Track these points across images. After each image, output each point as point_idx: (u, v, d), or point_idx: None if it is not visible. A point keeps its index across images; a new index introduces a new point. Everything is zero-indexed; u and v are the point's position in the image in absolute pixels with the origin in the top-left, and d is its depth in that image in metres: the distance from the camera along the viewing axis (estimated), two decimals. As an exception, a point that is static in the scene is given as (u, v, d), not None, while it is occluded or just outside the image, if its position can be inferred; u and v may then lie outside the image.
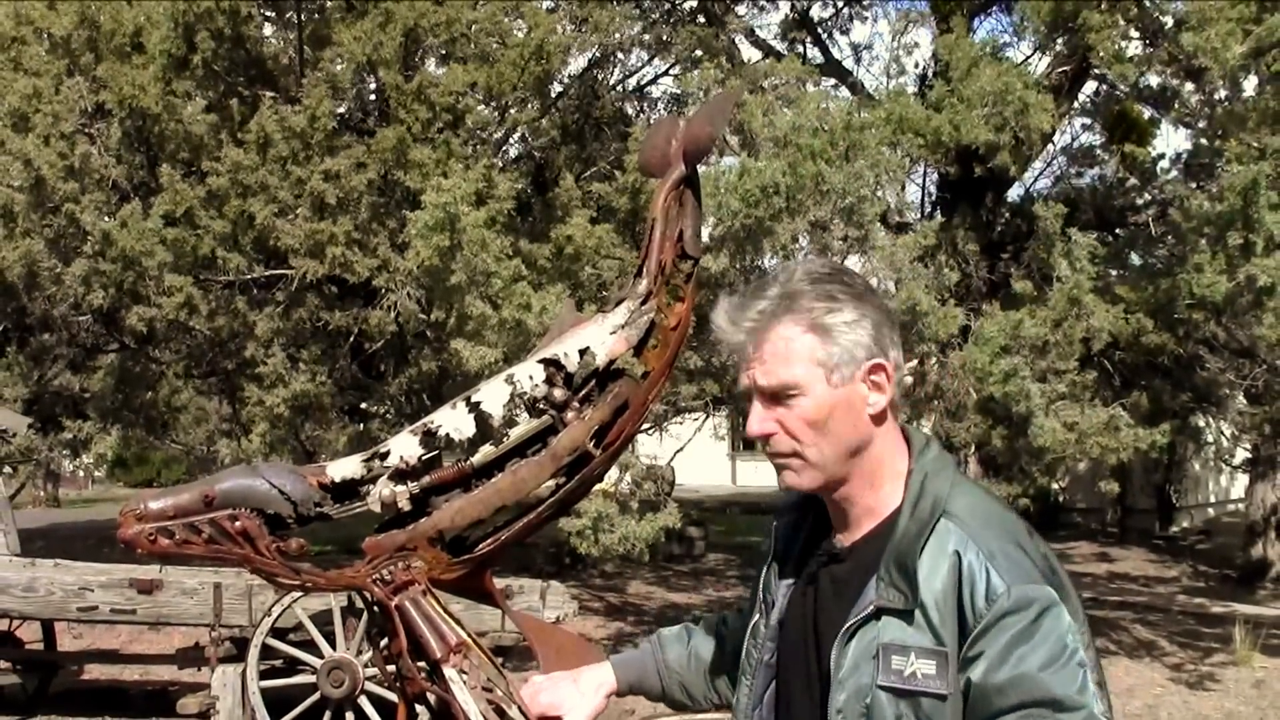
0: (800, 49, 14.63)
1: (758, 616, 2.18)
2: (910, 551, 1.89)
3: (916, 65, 15.64)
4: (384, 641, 2.56)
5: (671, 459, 13.13)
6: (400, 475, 2.50)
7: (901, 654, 1.86)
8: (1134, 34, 11.02)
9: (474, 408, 2.57)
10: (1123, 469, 14.82)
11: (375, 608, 2.52)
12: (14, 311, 14.74)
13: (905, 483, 1.99)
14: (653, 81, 16.41)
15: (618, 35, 13.68)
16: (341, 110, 13.08)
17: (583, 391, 2.61)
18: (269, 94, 12.64)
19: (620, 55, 15.10)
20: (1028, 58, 12.94)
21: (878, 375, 1.98)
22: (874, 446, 2.00)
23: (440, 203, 9.54)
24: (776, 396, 1.99)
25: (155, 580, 9.11)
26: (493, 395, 2.57)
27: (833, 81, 14.28)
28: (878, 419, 2.00)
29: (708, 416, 14.83)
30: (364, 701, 8.44)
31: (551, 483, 2.60)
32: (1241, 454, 17.21)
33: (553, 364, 2.58)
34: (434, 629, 2.45)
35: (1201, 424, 14.62)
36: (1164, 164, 12.68)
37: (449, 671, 2.42)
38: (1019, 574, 1.83)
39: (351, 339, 13.26)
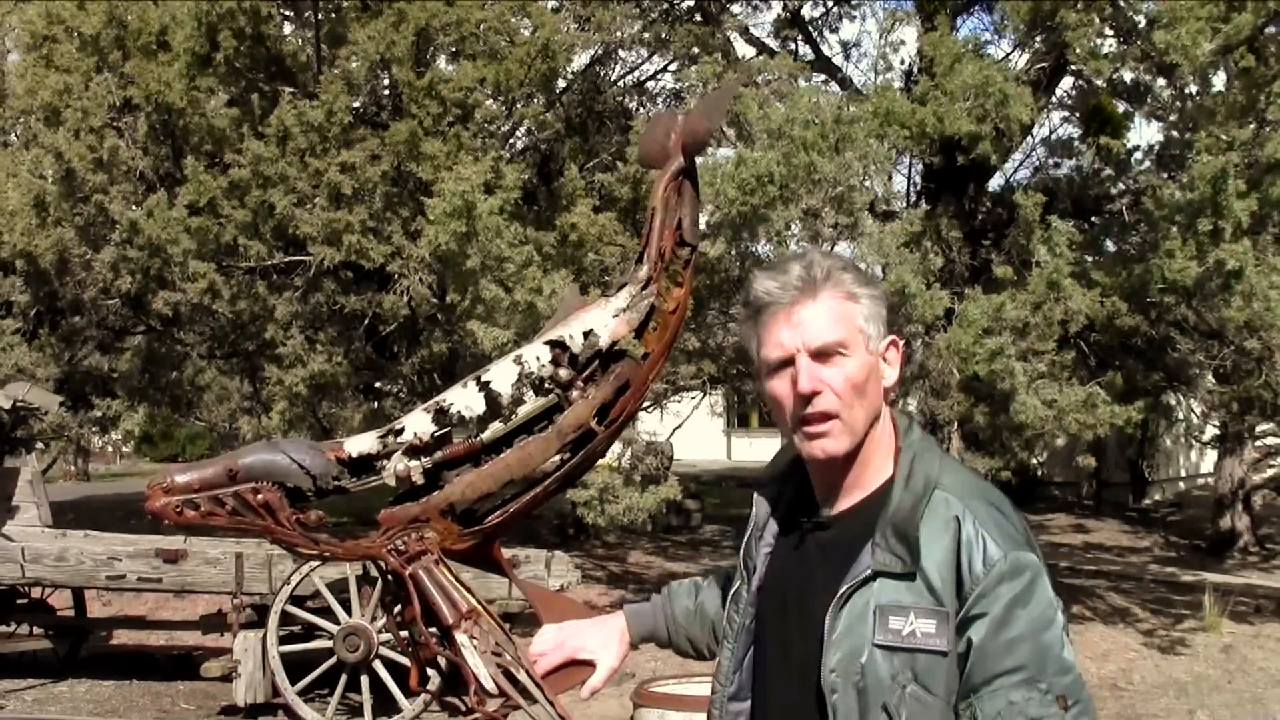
0: (792, 46, 14.58)
1: (739, 583, 2.17)
2: (909, 520, 1.92)
3: (902, 61, 15.58)
4: (398, 608, 2.56)
5: (670, 435, 13.12)
6: (414, 451, 2.51)
7: (900, 614, 1.88)
8: (1109, 32, 10.97)
9: (484, 387, 2.57)
10: (1098, 444, 14.83)
11: (390, 576, 2.52)
12: (46, 295, 14.74)
13: (895, 459, 2.02)
14: (652, 77, 16.39)
15: (619, 33, 13.62)
16: (357, 105, 13.05)
17: (587, 371, 2.61)
18: (288, 90, 12.61)
19: (621, 52, 15.09)
20: (1008, 54, 12.89)
21: (892, 351, 2.04)
22: (881, 421, 2.04)
23: (459, 190, 9.52)
24: (825, 355, 1.97)
25: (180, 550, 9.15)
26: (501, 375, 2.58)
27: (823, 77, 14.22)
28: (886, 393, 2.05)
29: (705, 395, 14.83)
30: (378, 665, 8.47)
31: (557, 458, 2.60)
32: (1211, 430, 17.21)
33: (558, 345, 2.59)
34: (446, 596, 2.45)
35: (1173, 402, 14.63)
36: (1137, 155, 12.63)
37: (460, 636, 2.42)
38: (1012, 542, 1.88)
39: (366, 322, 13.24)
